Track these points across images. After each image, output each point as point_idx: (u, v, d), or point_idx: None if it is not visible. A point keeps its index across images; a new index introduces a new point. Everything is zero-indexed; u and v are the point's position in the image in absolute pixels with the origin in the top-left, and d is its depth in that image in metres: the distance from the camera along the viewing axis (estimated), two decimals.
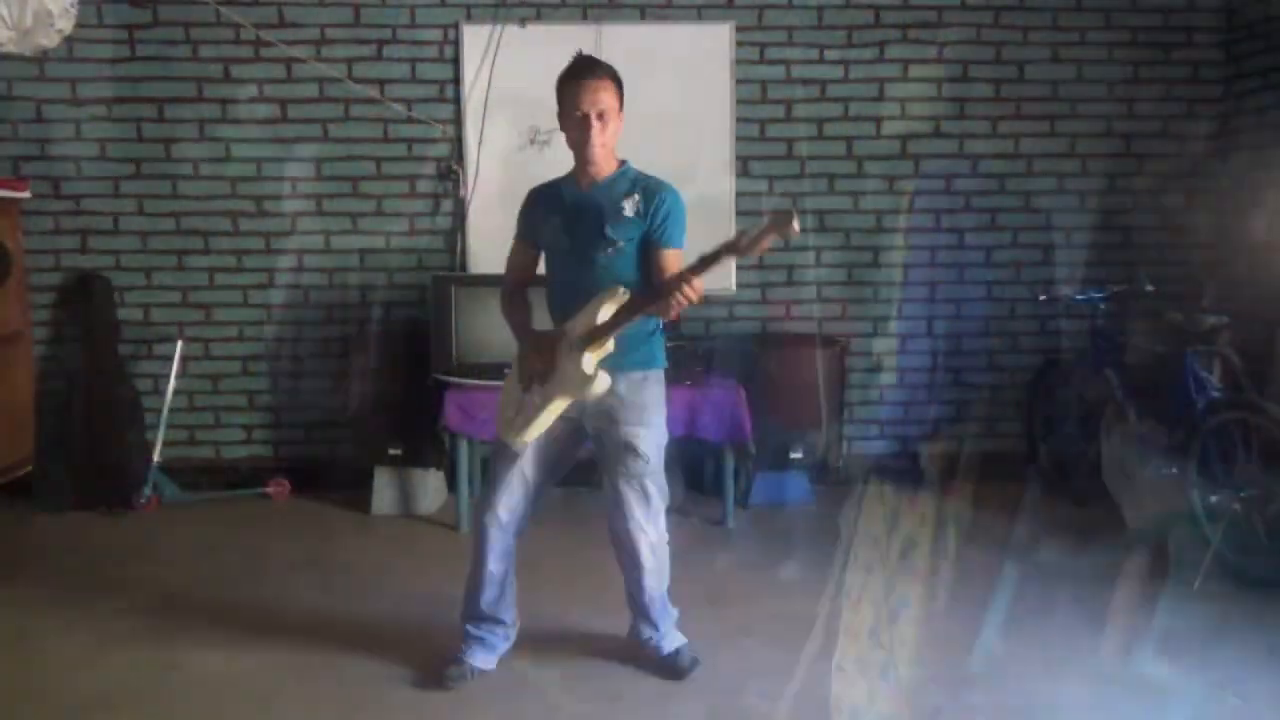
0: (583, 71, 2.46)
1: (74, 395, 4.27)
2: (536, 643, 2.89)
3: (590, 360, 2.37)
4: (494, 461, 2.64)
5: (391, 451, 4.10)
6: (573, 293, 2.48)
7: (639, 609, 2.70)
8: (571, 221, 2.52)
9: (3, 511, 4.17)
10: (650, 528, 2.62)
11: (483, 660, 2.66)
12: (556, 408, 2.44)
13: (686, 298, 2.22)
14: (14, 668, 2.77)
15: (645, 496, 2.59)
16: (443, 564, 3.57)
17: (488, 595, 2.64)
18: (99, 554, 3.68)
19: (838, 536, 3.86)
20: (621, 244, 2.48)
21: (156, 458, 4.25)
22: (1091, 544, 3.72)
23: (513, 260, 2.68)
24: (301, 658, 2.81)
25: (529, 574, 3.45)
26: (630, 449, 2.53)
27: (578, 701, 2.55)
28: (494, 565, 2.62)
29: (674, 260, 2.44)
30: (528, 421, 2.45)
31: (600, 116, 2.44)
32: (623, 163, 2.58)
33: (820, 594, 3.27)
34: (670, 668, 2.66)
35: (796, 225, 2.15)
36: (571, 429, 2.58)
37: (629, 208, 2.48)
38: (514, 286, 2.67)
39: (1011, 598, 3.22)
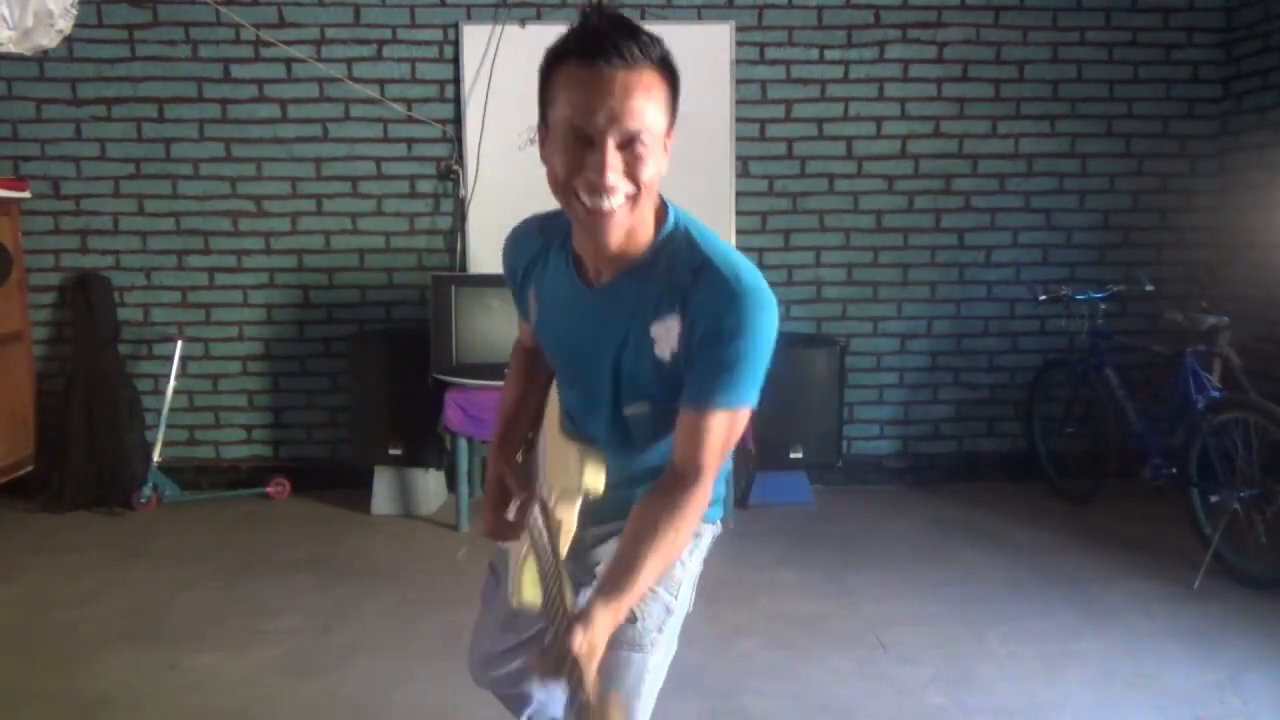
0: (601, 48, 1.22)
1: (74, 395, 4.27)
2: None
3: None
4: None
5: (391, 451, 4.10)
6: (583, 424, 1.49)
7: None
8: (574, 339, 1.44)
9: (3, 511, 4.17)
10: None
11: None
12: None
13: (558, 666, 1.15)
14: (14, 668, 2.77)
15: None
16: (443, 564, 3.58)
17: None
18: (99, 554, 3.68)
19: (837, 536, 3.87)
20: (649, 406, 1.39)
21: (156, 458, 4.25)
22: (1092, 544, 3.72)
23: (522, 336, 1.70)
24: (301, 658, 2.81)
25: None
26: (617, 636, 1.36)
27: None
28: None
29: (706, 431, 1.29)
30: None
31: (628, 145, 1.23)
32: (663, 216, 1.37)
33: (820, 594, 3.28)
34: None
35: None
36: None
37: (663, 340, 1.32)
38: (520, 356, 1.70)
39: (1011, 598, 3.23)
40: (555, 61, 1.27)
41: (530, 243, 1.50)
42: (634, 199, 1.25)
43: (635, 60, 1.21)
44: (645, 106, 1.22)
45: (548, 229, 1.48)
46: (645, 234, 1.33)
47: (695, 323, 1.28)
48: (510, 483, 1.55)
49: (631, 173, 1.23)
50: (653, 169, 1.25)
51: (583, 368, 1.44)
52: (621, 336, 1.35)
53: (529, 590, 1.40)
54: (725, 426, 1.29)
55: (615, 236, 1.27)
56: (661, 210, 1.36)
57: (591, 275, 1.39)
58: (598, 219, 1.25)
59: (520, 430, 1.64)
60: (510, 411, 1.65)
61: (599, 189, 1.22)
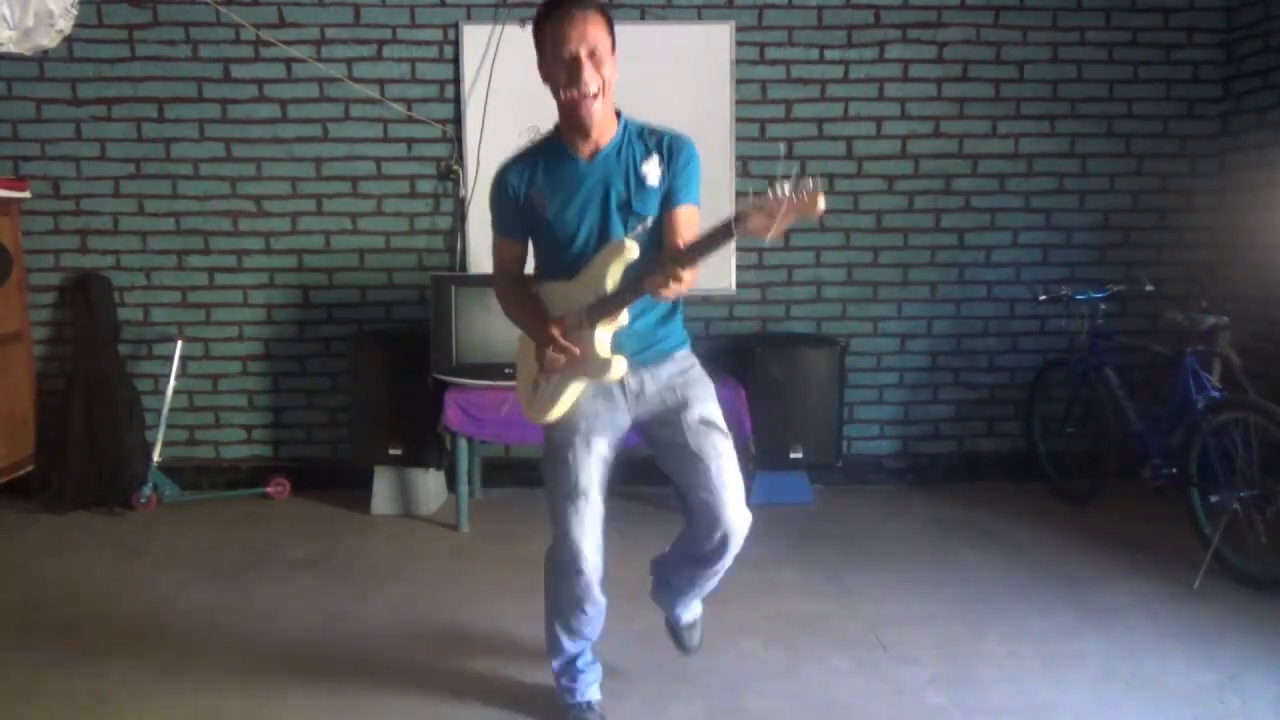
0: (567, 4, 2.04)
1: (74, 395, 4.27)
2: (537, 641, 2.89)
3: (604, 337, 2.08)
4: (557, 498, 2.25)
5: (391, 451, 4.10)
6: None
7: (687, 586, 2.45)
8: (583, 202, 2.13)
9: (3, 511, 4.17)
10: (747, 512, 2.28)
11: (595, 691, 2.48)
12: (574, 392, 2.17)
13: (676, 279, 1.86)
14: (14, 667, 2.76)
15: (740, 477, 2.27)
16: (443, 564, 3.58)
17: (590, 629, 2.42)
18: (99, 554, 3.68)
19: (837, 536, 3.87)
20: (650, 220, 2.13)
21: (156, 458, 4.25)
22: (1091, 544, 3.72)
23: (501, 256, 2.30)
24: (301, 658, 2.81)
25: (532, 572, 3.46)
26: (711, 424, 2.23)
27: None
28: (591, 609, 2.36)
29: (688, 217, 2.11)
30: (546, 406, 2.20)
31: (593, 56, 2.02)
32: (619, 117, 2.18)
33: (820, 594, 3.28)
34: (682, 639, 2.60)
35: (821, 202, 1.70)
36: (616, 439, 2.28)
37: (652, 174, 2.12)
38: (511, 279, 2.31)
39: (1011, 598, 3.23)
40: (542, 19, 2.08)
41: (519, 170, 2.21)
42: (601, 90, 2.06)
43: (586, 6, 2.05)
44: (597, 32, 2.04)
45: (524, 156, 2.23)
46: (612, 126, 2.15)
47: (668, 158, 2.14)
48: (572, 322, 2.13)
49: (597, 71, 2.04)
50: (609, 71, 2.07)
51: (593, 218, 2.15)
52: (622, 180, 2.13)
53: (610, 358, 2.08)
54: (696, 214, 2.15)
55: (594, 118, 2.08)
56: (617, 114, 2.18)
57: (585, 156, 2.15)
58: (583, 105, 2.05)
59: (544, 313, 2.22)
60: (533, 304, 2.25)
61: (580, 82, 2.03)
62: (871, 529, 3.97)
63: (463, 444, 3.98)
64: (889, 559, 3.61)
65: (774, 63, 4.42)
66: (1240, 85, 4.40)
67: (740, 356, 4.25)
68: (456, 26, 4.34)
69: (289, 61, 4.33)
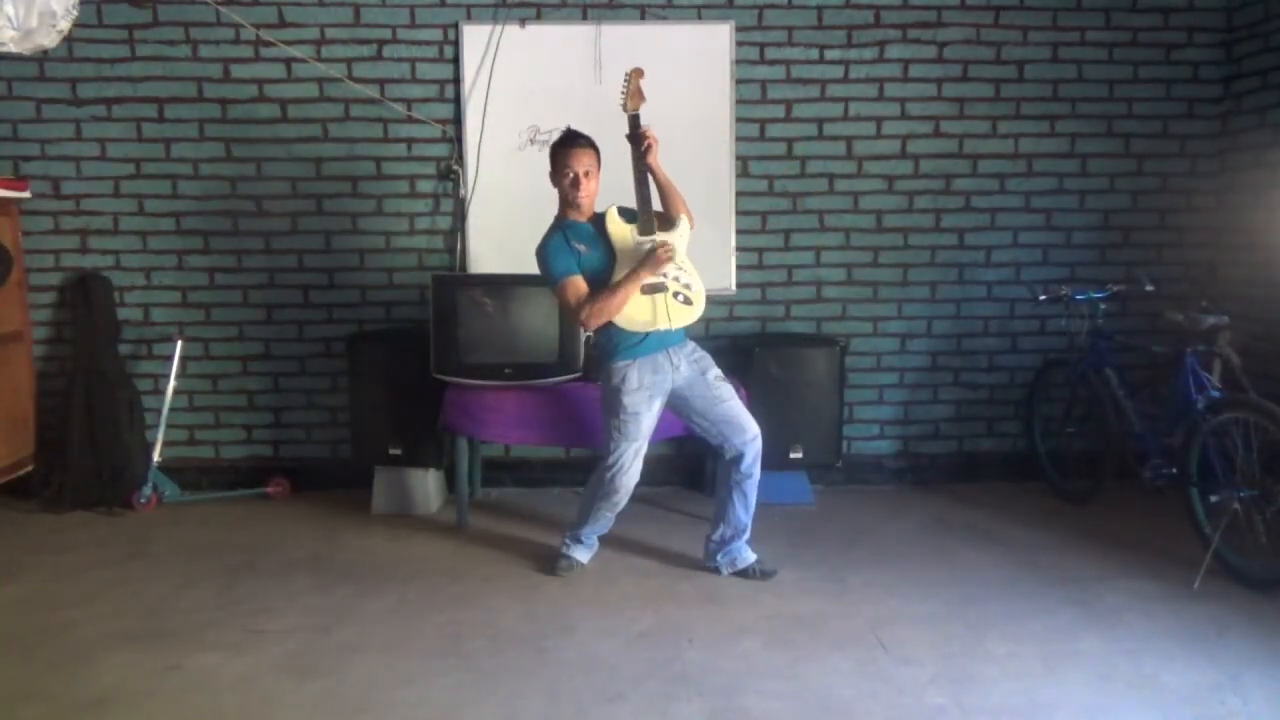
0: (570, 142, 3.29)
1: (74, 395, 4.28)
2: (538, 642, 2.89)
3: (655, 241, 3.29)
4: (629, 430, 3.30)
5: (391, 451, 4.10)
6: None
7: (736, 524, 3.40)
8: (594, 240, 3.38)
9: (3, 511, 4.17)
10: (758, 440, 3.38)
11: (583, 555, 3.54)
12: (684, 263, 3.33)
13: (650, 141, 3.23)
14: (14, 667, 2.77)
15: (747, 414, 3.39)
16: (443, 564, 3.58)
17: (603, 526, 3.52)
18: (99, 554, 3.68)
19: (837, 536, 3.87)
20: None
21: (156, 458, 4.25)
22: (1091, 544, 3.72)
23: (576, 289, 3.29)
24: (301, 658, 2.81)
25: (532, 571, 3.47)
26: (721, 378, 3.40)
27: (577, 701, 2.55)
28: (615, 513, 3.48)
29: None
30: (689, 288, 3.29)
31: (586, 175, 3.28)
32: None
33: (820, 594, 3.28)
34: (762, 573, 3.41)
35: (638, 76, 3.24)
36: (663, 399, 3.38)
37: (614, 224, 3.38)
38: (588, 295, 3.33)
39: (1011, 598, 3.23)
40: (557, 147, 3.32)
41: (558, 236, 3.31)
42: (590, 195, 3.31)
43: (583, 144, 3.29)
44: (589, 161, 3.29)
45: (554, 230, 3.36)
46: (591, 209, 3.35)
47: (628, 219, 3.31)
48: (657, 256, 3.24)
49: (589, 186, 3.30)
50: (594, 184, 3.32)
51: (602, 246, 3.31)
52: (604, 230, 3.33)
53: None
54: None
55: (585, 210, 3.33)
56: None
57: (586, 220, 3.35)
58: (578, 203, 3.30)
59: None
60: (612, 285, 3.28)
61: (579, 190, 3.29)
62: (871, 529, 3.97)
63: (463, 444, 3.98)
64: (889, 559, 3.61)
65: (774, 63, 4.42)
66: (1240, 85, 4.40)
67: (740, 356, 4.25)
68: (456, 26, 4.34)
69: (289, 61, 4.33)
